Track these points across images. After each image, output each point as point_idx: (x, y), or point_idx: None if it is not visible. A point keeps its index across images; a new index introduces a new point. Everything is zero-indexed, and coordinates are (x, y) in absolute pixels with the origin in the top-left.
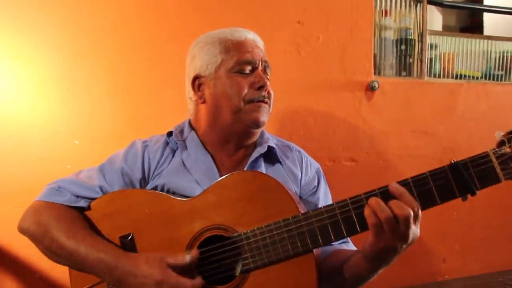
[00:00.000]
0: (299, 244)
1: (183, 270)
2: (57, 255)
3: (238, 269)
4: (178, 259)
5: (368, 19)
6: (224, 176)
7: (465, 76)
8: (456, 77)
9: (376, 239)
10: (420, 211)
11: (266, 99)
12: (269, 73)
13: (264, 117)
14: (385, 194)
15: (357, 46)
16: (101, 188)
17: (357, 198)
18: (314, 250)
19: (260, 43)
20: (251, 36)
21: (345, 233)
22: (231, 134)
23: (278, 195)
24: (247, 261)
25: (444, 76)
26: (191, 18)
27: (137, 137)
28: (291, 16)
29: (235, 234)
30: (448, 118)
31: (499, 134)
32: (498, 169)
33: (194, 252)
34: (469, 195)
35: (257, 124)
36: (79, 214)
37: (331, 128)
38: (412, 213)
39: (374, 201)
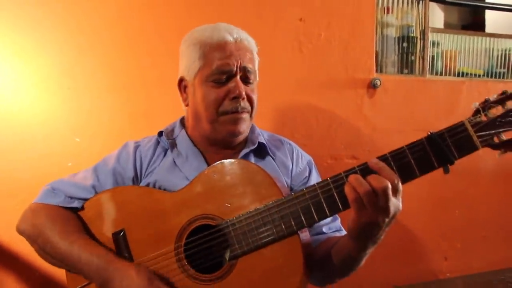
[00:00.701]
0: (283, 227)
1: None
2: (50, 255)
3: (226, 256)
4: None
5: (370, 16)
6: (208, 167)
7: (467, 74)
8: (458, 75)
9: (358, 214)
10: (400, 184)
11: (241, 109)
12: (251, 78)
13: (240, 127)
14: (365, 171)
15: (359, 43)
16: (94, 188)
17: (338, 177)
18: (301, 235)
19: (244, 42)
20: (231, 38)
21: (327, 212)
22: (213, 139)
23: (261, 180)
24: (234, 247)
25: (446, 74)
26: (191, 15)
27: (137, 134)
28: (292, 14)
29: (221, 222)
30: (450, 116)
31: (475, 105)
32: (474, 137)
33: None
34: (449, 166)
35: (233, 135)
36: (73, 215)
37: (332, 125)
38: (390, 185)
39: (353, 177)
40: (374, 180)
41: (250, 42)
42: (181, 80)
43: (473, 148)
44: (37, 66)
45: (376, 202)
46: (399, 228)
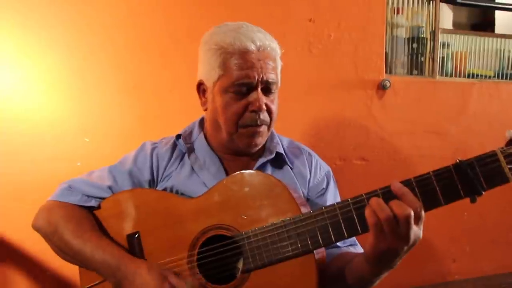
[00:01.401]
0: (299, 245)
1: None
2: (65, 253)
3: (239, 268)
4: (179, 284)
5: (380, 17)
6: (228, 177)
7: (477, 75)
8: (468, 76)
9: (377, 240)
10: (423, 212)
11: (260, 122)
12: (273, 89)
13: (257, 140)
14: (388, 194)
15: (368, 44)
16: (110, 188)
17: (359, 198)
18: (316, 252)
19: (267, 50)
20: (253, 47)
21: (345, 234)
22: (230, 148)
23: (280, 194)
24: (247, 260)
25: (456, 75)
26: (202, 16)
27: (148, 135)
28: (302, 14)
29: (237, 234)
30: (460, 118)
31: (509, 132)
32: (506, 169)
33: (196, 282)
34: (476, 196)
35: (250, 148)
36: (89, 214)
37: (341, 126)
38: (412, 213)
39: (374, 201)
40: (396, 206)
41: (274, 48)
42: (200, 84)
43: (504, 181)
44: (47, 66)
45: (397, 229)
46: None
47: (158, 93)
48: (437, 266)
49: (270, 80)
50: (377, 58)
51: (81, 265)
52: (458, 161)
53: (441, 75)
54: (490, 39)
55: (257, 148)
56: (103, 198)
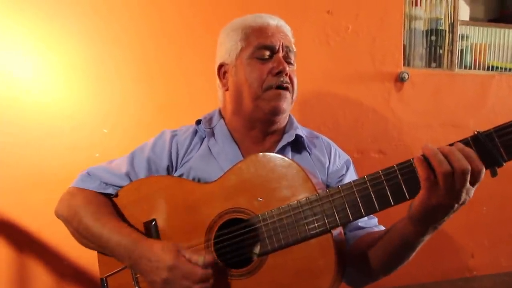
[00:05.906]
0: (315, 225)
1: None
2: (83, 237)
3: (256, 251)
4: (193, 257)
5: (398, 9)
6: (242, 160)
7: (497, 67)
8: (488, 69)
9: (428, 194)
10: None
11: (286, 84)
12: (292, 58)
13: (283, 104)
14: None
15: (386, 36)
16: (128, 176)
17: (376, 175)
18: (334, 233)
19: (284, 28)
20: (274, 22)
21: (362, 212)
22: (254, 121)
23: (295, 175)
24: (264, 243)
25: (475, 68)
26: (224, 5)
27: (166, 126)
28: (320, 6)
29: (253, 217)
30: (479, 110)
31: None
32: None
33: (209, 256)
34: (497, 168)
35: (276, 112)
36: (107, 200)
37: (359, 119)
38: (470, 168)
39: (431, 153)
40: (455, 160)
41: (289, 30)
42: (220, 66)
43: None
44: (66, 58)
45: (452, 184)
46: None
47: (176, 84)
48: (455, 261)
49: (290, 48)
50: (395, 50)
51: (99, 248)
52: (476, 132)
53: (460, 67)
54: (510, 31)
55: (281, 117)
56: (121, 186)
